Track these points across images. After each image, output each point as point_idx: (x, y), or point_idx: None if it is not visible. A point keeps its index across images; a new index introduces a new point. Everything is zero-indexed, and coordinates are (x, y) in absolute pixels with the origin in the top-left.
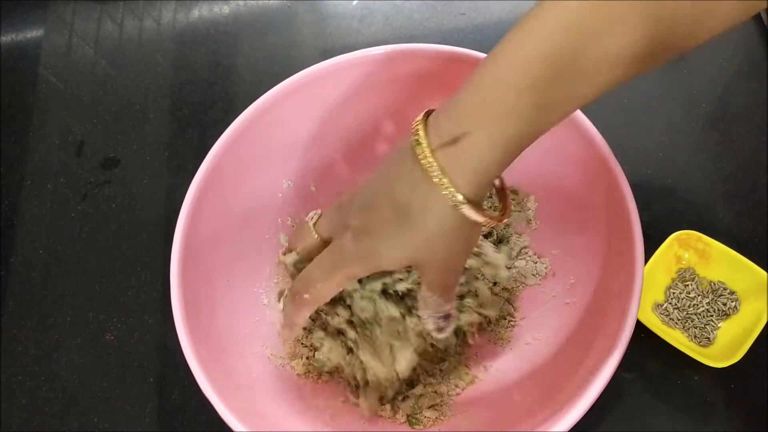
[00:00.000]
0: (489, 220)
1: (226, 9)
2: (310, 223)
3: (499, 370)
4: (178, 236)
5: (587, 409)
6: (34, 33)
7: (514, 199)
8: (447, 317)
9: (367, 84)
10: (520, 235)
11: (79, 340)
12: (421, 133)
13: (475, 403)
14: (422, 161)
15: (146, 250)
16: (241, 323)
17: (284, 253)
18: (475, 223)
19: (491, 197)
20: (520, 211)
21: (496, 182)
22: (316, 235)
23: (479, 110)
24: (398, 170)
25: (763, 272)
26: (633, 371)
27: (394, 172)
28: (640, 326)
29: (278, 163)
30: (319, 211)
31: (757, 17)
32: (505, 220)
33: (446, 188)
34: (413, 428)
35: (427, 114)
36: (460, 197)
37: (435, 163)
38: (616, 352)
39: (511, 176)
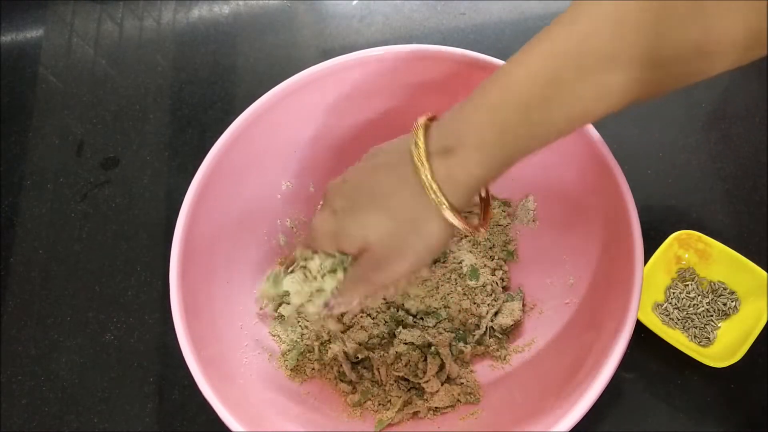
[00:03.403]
0: (467, 229)
1: (226, 9)
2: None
3: (500, 370)
4: (178, 236)
5: (587, 409)
6: (34, 33)
7: (504, 210)
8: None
9: (367, 84)
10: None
11: (79, 340)
12: (421, 137)
13: (477, 404)
14: (416, 161)
15: (146, 250)
16: (241, 324)
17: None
18: (452, 229)
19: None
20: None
21: (482, 192)
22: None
23: (474, 129)
24: (389, 161)
25: (763, 272)
26: (633, 371)
27: (386, 164)
28: (640, 326)
29: (277, 164)
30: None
31: None
32: (483, 232)
33: (436, 194)
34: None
35: (430, 119)
36: (446, 203)
37: (428, 170)
38: (616, 352)
39: (510, 176)
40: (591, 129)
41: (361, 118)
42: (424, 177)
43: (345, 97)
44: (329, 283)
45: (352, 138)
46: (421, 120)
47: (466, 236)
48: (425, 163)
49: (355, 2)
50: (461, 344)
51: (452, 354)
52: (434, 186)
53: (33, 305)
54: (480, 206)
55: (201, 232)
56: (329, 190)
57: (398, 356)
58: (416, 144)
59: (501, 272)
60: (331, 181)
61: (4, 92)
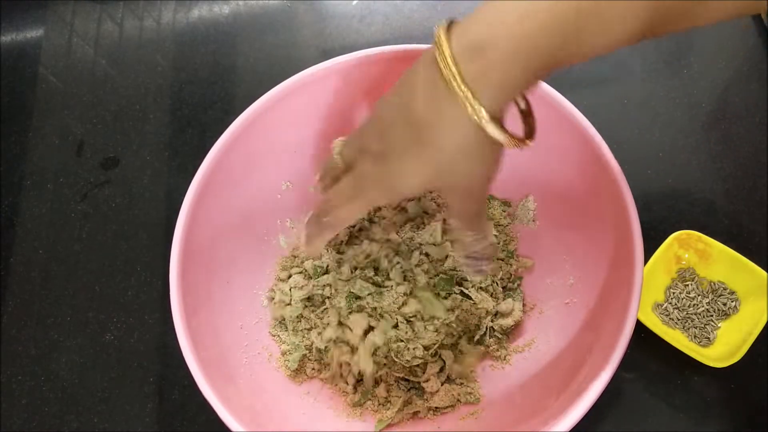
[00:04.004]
0: (512, 140)
1: (226, 9)
2: (335, 150)
3: (500, 370)
4: (178, 236)
5: (587, 409)
6: (34, 33)
7: (504, 210)
8: (482, 258)
9: (368, 84)
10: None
11: (79, 340)
12: (444, 40)
13: (477, 404)
14: (443, 71)
15: (146, 250)
16: (241, 324)
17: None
18: (496, 143)
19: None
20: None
21: (522, 104)
22: (339, 160)
23: (511, 17)
24: (416, 83)
25: (763, 272)
26: (633, 371)
27: (412, 85)
28: (640, 326)
29: (277, 164)
30: (343, 138)
31: (758, 17)
32: (530, 143)
33: (469, 102)
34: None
35: (451, 21)
36: (483, 112)
37: (457, 73)
38: (616, 352)
39: (510, 176)
40: (591, 129)
41: (362, 118)
42: (450, 80)
43: (345, 97)
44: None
45: None
46: (442, 24)
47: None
48: (452, 66)
49: (355, 2)
50: (462, 343)
51: (453, 354)
52: (464, 89)
53: (33, 305)
54: (522, 118)
55: (201, 232)
56: (364, 131)
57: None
58: (438, 47)
59: (501, 272)
60: (362, 122)
61: (4, 92)
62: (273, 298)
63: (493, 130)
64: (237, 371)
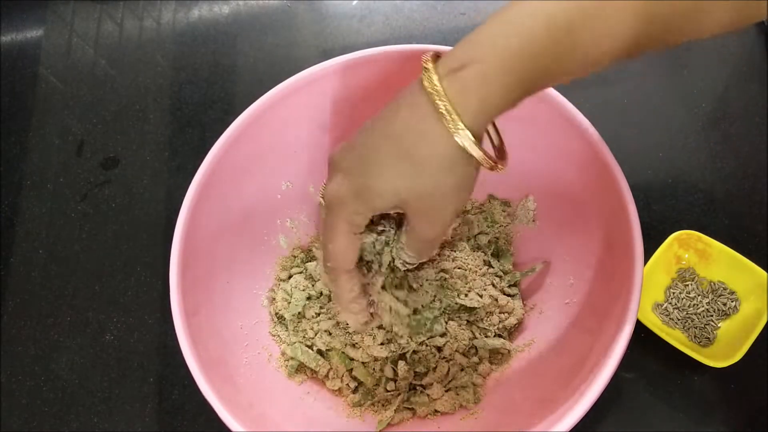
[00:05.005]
0: (485, 159)
1: (226, 9)
2: (318, 196)
3: (500, 370)
4: (178, 236)
5: (587, 409)
6: (34, 33)
7: (504, 210)
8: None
9: (367, 84)
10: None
11: (79, 340)
12: (430, 63)
13: (476, 404)
14: (427, 88)
15: (146, 250)
16: (241, 324)
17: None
18: (471, 160)
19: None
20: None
21: (494, 138)
22: (321, 200)
23: (496, 37)
24: (399, 104)
25: (763, 272)
26: (633, 371)
27: (395, 106)
28: (640, 326)
29: (277, 164)
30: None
31: None
32: (501, 168)
33: (451, 117)
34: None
35: (437, 54)
36: (464, 129)
37: (440, 88)
38: (616, 352)
39: (510, 176)
40: (591, 129)
41: (361, 118)
42: (432, 93)
43: (345, 97)
44: (386, 259)
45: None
46: (428, 55)
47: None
48: (435, 82)
49: (355, 2)
50: (475, 356)
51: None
52: (446, 105)
53: (33, 305)
54: (492, 141)
55: (201, 232)
56: (334, 155)
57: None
58: (425, 69)
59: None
60: (333, 150)
61: (4, 92)
62: (274, 299)
63: (468, 143)
64: (237, 371)
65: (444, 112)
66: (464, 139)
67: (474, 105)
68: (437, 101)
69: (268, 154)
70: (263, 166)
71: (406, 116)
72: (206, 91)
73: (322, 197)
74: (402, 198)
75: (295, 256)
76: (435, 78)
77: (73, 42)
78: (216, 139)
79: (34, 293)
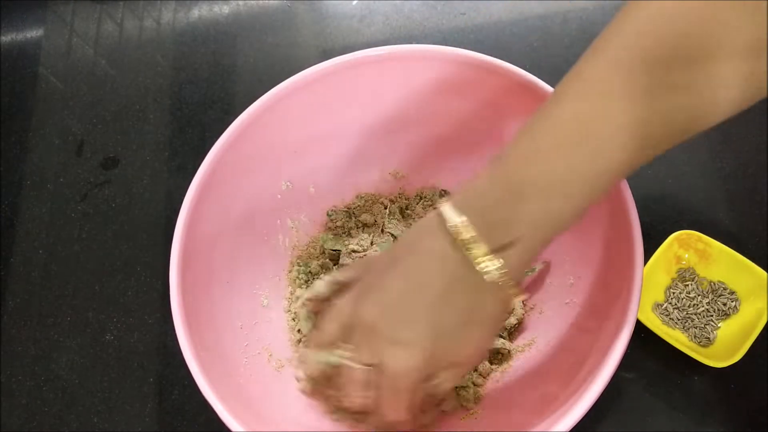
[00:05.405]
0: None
1: (226, 9)
2: (346, 359)
3: (500, 370)
4: (178, 236)
5: (587, 409)
6: (34, 33)
7: None
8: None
9: (367, 84)
10: None
11: (79, 340)
12: (471, 238)
13: (476, 404)
14: (480, 265)
15: (146, 250)
16: (241, 324)
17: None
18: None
19: None
20: None
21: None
22: (361, 366)
23: (527, 218)
24: (452, 284)
25: (763, 272)
26: (633, 371)
27: (444, 281)
28: (640, 326)
29: (277, 164)
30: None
31: None
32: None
33: (509, 287)
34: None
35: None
36: (517, 291)
37: (497, 264)
38: (616, 352)
39: None
40: None
41: (361, 118)
42: (494, 271)
43: (345, 97)
44: None
45: (352, 138)
46: (444, 207)
47: None
48: (493, 259)
49: (355, 2)
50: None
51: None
52: (506, 280)
53: (33, 305)
54: None
55: (201, 232)
56: (384, 326)
57: None
58: (468, 248)
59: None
60: (335, 307)
61: (4, 92)
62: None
63: (518, 301)
64: (237, 371)
65: (504, 283)
66: (518, 299)
67: (520, 271)
68: (497, 277)
69: (268, 154)
70: (263, 166)
71: (464, 294)
72: (206, 91)
73: (350, 357)
74: (473, 361)
75: (301, 264)
76: (485, 254)
77: (73, 42)
78: (216, 139)
79: (34, 293)
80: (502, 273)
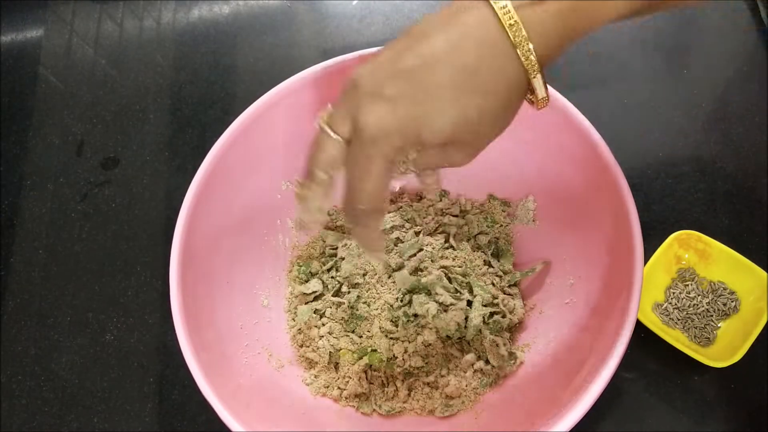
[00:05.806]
0: (545, 100)
1: (226, 9)
2: (324, 125)
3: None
4: (178, 236)
5: (587, 409)
6: (34, 33)
7: (505, 210)
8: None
9: None
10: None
11: (79, 340)
12: None
13: (476, 404)
14: (504, 18)
15: (146, 250)
16: (241, 324)
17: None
18: (525, 99)
19: None
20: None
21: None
22: (335, 136)
23: None
24: (467, 33)
25: (763, 272)
26: (633, 371)
27: (460, 35)
28: (640, 326)
29: (277, 164)
30: (328, 107)
31: (758, 17)
32: (541, 108)
33: (527, 52)
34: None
35: None
36: (537, 65)
37: (520, 22)
38: (616, 352)
39: (510, 176)
40: (591, 129)
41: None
42: (514, 28)
43: None
44: None
45: None
46: None
47: None
48: (513, 14)
49: (355, 2)
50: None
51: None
52: (524, 39)
53: (33, 305)
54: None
55: (201, 232)
56: (366, 79)
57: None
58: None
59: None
60: (360, 72)
61: (4, 92)
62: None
63: (541, 89)
64: (237, 371)
65: (524, 49)
66: (539, 80)
67: (545, 41)
68: (516, 37)
69: (268, 154)
70: (263, 166)
71: (482, 52)
72: (206, 91)
73: (327, 123)
74: (455, 131)
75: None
76: (512, 10)
77: (73, 42)
78: (216, 139)
79: (34, 293)
80: (522, 29)
